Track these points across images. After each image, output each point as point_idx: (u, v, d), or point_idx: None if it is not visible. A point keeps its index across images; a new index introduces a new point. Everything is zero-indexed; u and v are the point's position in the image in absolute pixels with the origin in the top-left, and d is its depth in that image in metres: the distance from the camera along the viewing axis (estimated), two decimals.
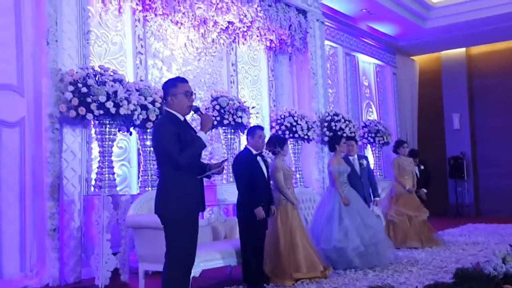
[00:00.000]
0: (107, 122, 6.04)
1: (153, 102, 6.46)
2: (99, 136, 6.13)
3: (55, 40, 5.91)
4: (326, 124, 9.67)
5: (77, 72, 5.88)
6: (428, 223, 8.47)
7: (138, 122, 6.33)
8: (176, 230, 3.73)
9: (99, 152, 6.19)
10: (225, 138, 7.92)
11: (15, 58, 5.83)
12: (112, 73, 6.05)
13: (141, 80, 7.14)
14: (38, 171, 5.82)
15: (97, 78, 5.88)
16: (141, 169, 6.86)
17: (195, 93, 4.12)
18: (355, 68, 12.55)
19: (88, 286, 5.65)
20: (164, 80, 4.40)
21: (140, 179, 6.84)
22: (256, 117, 8.95)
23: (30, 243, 5.74)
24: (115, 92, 5.87)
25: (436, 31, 12.99)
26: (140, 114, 6.31)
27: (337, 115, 9.80)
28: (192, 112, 3.91)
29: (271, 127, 9.25)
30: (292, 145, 9.13)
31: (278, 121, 9.12)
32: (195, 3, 7.58)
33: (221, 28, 8.39)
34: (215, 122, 7.57)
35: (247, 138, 5.83)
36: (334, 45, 11.58)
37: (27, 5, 5.93)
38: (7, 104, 5.72)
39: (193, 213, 3.83)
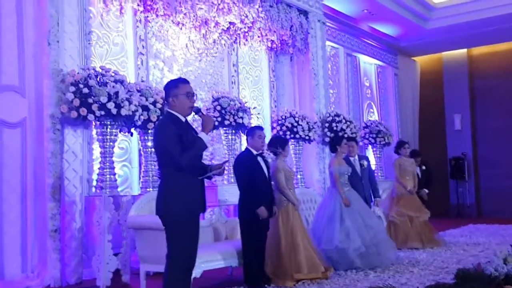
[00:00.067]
0: (108, 122, 6.04)
1: (154, 103, 6.46)
2: (100, 137, 6.14)
3: (57, 41, 5.91)
4: (327, 124, 9.67)
5: (78, 73, 5.88)
6: (429, 224, 8.47)
7: (139, 122, 6.33)
8: (177, 231, 3.74)
9: (100, 152, 6.19)
10: (226, 138, 7.93)
11: (17, 59, 5.83)
12: (113, 74, 6.06)
13: (142, 81, 7.14)
14: (40, 172, 5.82)
15: (98, 79, 5.88)
16: (142, 169, 6.86)
17: (196, 94, 4.12)
18: (356, 68, 12.54)
19: (89, 287, 5.65)
20: (166, 80, 4.41)
21: (141, 180, 6.84)
22: (257, 117, 8.95)
23: (31, 244, 5.74)
24: (116, 93, 5.88)
25: (438, 32, 12.99)
26: (141, 114, 6.32)
27: (338, 115, 9.79)
28: (193, 113, 3.92)
29: (272, 128, 9.25)
30: (293, 145, 9.12)
31: (279, 122, 9.12)
32: (197, 4, 7.58)
33: (222, 29, 8.39)
34: (216, 123, 7.57)
35: (247, 139, 5.84)
36: (335, 45, 11.57)
37: (29, 6, 5.93)
38: (9, 104, 5.72)
39: (194, 214, 3.83)
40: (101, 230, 5.66)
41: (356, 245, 6.30)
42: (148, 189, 6.64)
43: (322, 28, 10.07)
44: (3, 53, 5.72)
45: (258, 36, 8.97)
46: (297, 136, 9.01)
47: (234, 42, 8.83)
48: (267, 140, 6.00)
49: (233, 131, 7.87)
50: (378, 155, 11.69)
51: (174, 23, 7.78)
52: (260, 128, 5.85)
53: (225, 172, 5.27)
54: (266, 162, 5.72)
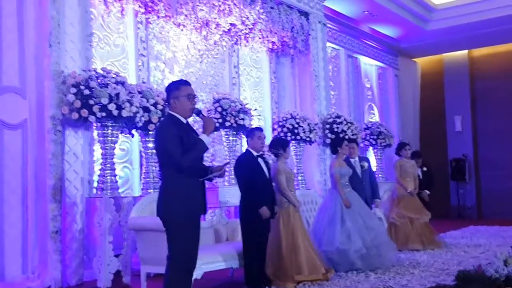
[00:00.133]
0: (109, 124, 6.05)
1: (155, 104, 6.47)
2: (101, 138, 6.14)
3: (58, 42, 5.92)
4: (328, 126, 9.67)
5: (79, 74, 5.89)
6: (430, 225, 8.47)
7: (140, 124, 6.34)
8: (178, 232, 3.74)
9: (101, 154, 6.19)
10: (227, 140, 7.93)
11: (18, 60, 5.84)
12: (114, 75, 6.06)
13: (143, 82, 7.15)
14: (40, 173, 5.82)
15: (99, 80, 5.89)
16: (143, 171, 6.86)
17: (197, 96, 4.13)
18: (357, 70, 12.55)
19: None
20: (166, 82, 4.41)
21: (142, 181, 6.85)
22: (258, 119, 8.96)
23: (32, 245, 5.74)
24: (117, 94, 5.88)
25: (438, 33, 12.99)
26: (142, 116, 6.32)
27: (339, 117, 9.79)
28: (194, 114, 3.92)
29: (273, 129, 9.24)
30: (294, 147, 9.12)
31: (280, 123, 9.11)
32: (197, 5, 7.59)
33: (223, 30, 8.40)
34: (217, 125, 7.57)
35: (247, 140, 5.84)
36: (336, 47, 11.58)
37: (30, 7, 5.94)
38: (10, 106, 5.73)
39: (195, 215, 3.84)
40: (102, 231, 5.67)
41: (357, 246, 6.29)
42: (149, 191, 6.64)
43: (323, 30, 10.07)
44: (4, 54, 5.73)
45: (259, 38, 8.98)
46: (298, 137, 9.01)
47: (235, 43, 8.84)
48: (267, 141, 6.00)
49: (234, 133, 7.87)
50: (379, 157, 11.68)
51: (175, 24, 7.78)
52: (259, 129, 5.85)
53: (226, 173, 5.27)
54: (266, 163, 5.72)
